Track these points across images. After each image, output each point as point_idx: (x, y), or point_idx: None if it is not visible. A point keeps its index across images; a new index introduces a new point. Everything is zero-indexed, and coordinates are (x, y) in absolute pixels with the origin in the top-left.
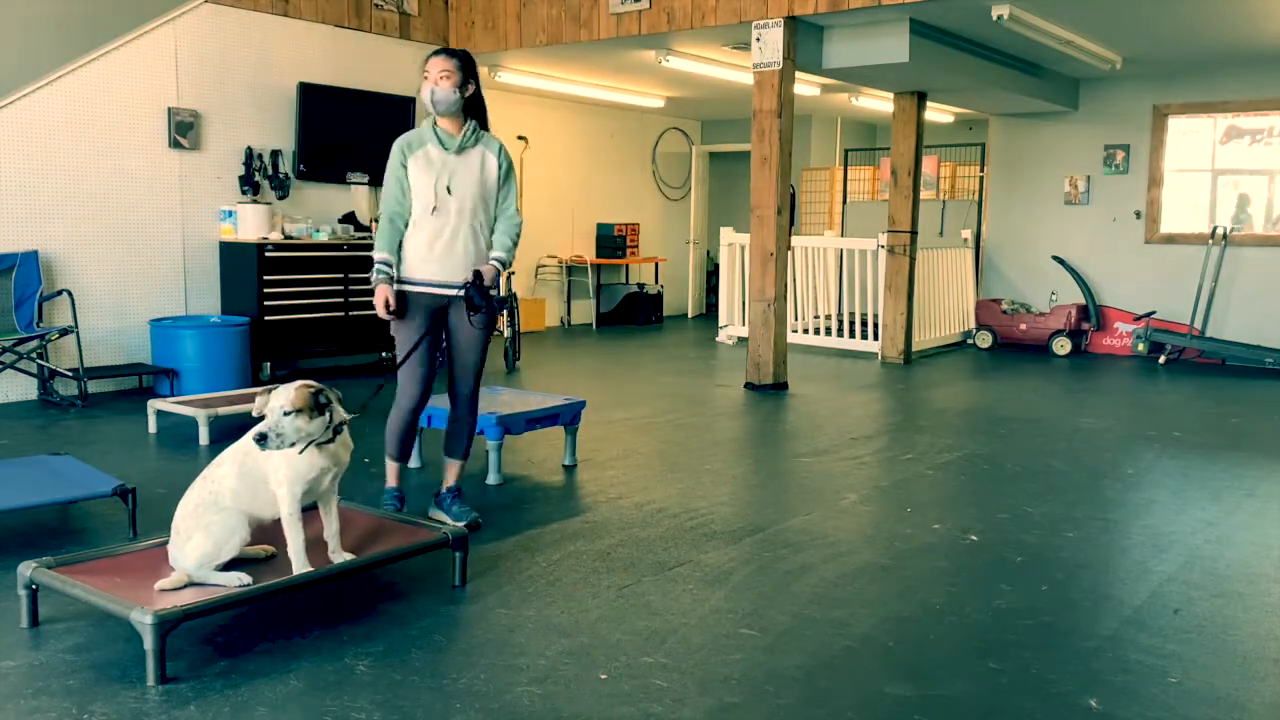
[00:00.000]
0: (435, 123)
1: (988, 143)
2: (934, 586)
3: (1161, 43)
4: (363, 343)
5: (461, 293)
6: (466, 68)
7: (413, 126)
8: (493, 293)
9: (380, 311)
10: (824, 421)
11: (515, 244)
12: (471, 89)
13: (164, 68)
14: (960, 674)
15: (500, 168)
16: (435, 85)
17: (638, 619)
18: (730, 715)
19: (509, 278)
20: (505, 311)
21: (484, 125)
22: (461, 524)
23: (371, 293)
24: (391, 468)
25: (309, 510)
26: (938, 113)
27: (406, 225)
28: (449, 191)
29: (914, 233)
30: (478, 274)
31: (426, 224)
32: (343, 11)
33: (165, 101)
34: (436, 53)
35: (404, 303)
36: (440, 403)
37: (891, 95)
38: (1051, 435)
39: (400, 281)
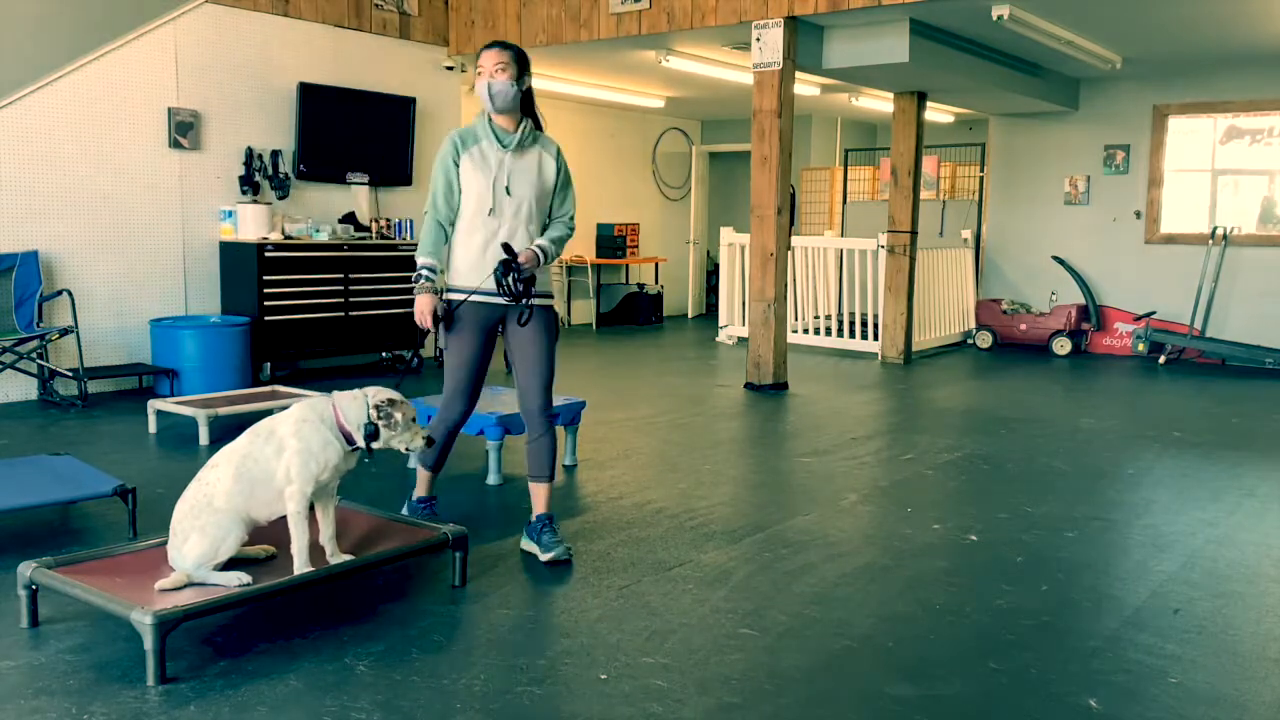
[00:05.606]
0: (490, 119)
1: (988, 143)
2: (934, 586)
3: (1161, 43)
4: (363, 343)
5: (496, 275)
6: (521, 61)
7: (413, 126)
8: (523, 284)
9: (422, 322)
10: (824, 421)
11: (561, 244)
12: (527, 83)
13: (164, 68)
14: (960, 674)
15: (558, 172)
16: (491, 78)
17: (638, 619)
18: (730, 715)
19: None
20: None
21: (538, 125)
22: (549, 555)
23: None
24: (423, 477)
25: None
26: (938, 113)
27: (453, 227)
28: (508, 193)
29: (914, 233)
30: (512, 252)
31: (481, 227)
32: (343, 11)
33: (165, 101)
34: (490, 46)
35: (451, 314)
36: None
37: (891, 95)
38: (1051, 435)
39: (449, 290)
